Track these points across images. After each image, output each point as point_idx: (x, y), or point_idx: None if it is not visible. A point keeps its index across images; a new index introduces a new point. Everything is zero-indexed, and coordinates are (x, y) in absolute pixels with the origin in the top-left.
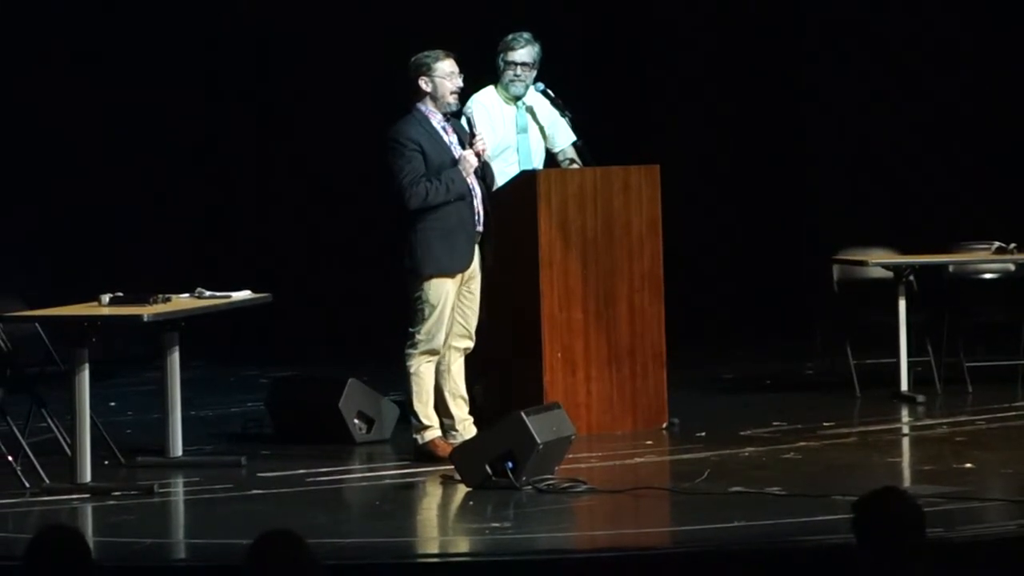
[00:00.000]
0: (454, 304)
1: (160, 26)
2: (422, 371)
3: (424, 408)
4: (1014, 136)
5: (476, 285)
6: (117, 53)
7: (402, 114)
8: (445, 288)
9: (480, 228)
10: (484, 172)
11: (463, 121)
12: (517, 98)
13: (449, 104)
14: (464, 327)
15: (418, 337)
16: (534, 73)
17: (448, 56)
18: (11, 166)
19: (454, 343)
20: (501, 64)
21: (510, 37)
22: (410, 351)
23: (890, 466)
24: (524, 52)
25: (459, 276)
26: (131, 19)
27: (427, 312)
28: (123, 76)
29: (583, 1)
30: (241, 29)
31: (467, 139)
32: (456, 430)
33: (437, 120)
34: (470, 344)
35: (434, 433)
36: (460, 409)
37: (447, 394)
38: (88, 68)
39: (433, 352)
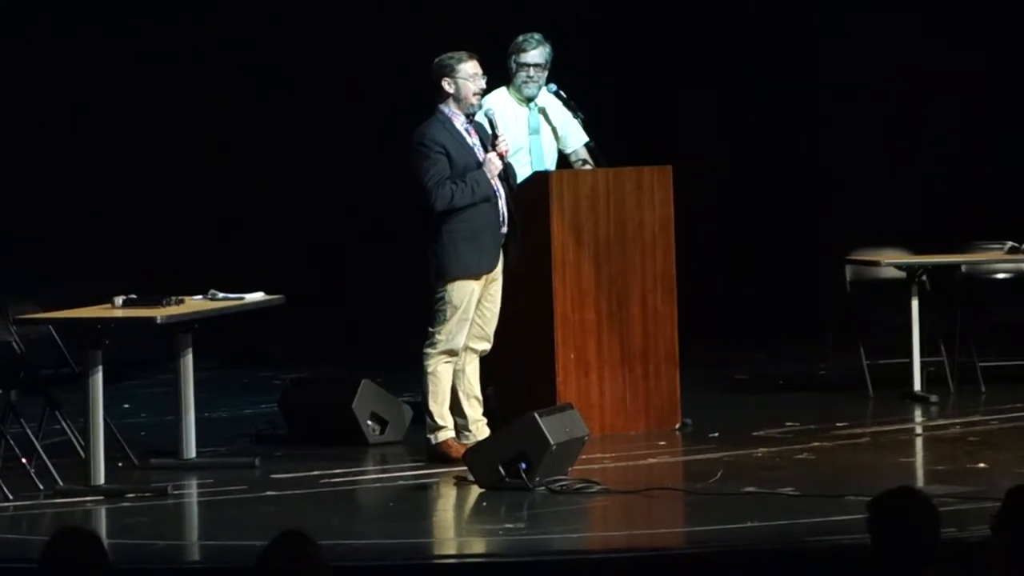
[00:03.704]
0: (477, 305)
1: (170, 23)
2: (439, 371)
3: (439, 408)
4: None
5: (497, 287)
6: (123, 53)
7: (423, 116)
8: (469, 289)
9: (505, 230)
10: (507, 173)
11: (484, 122)
12: (529, 99)
13: (472, 106)
14: (482, 329)
15: (438, 337)
16: (546, 74)
17: (472, 58)
18: (21, 167)
19: (471, 344)
20: (513, 66)
21: (521, 38)
22: (429, 351)
23: (903, 466)
24: (536, 53)
25: (483, 278)
26: (139, 17)
27: (449, 313)
28: (131, 76)
29: (594, 1)
30: (254, 30)
31: (489, 141)
32: (469, 431)
33: (461, 122)
34: (487, 346)
35: (448, 434)
36: (474, 410)
37: (461, 395)
38: (95, 69)
39: (452, 353)
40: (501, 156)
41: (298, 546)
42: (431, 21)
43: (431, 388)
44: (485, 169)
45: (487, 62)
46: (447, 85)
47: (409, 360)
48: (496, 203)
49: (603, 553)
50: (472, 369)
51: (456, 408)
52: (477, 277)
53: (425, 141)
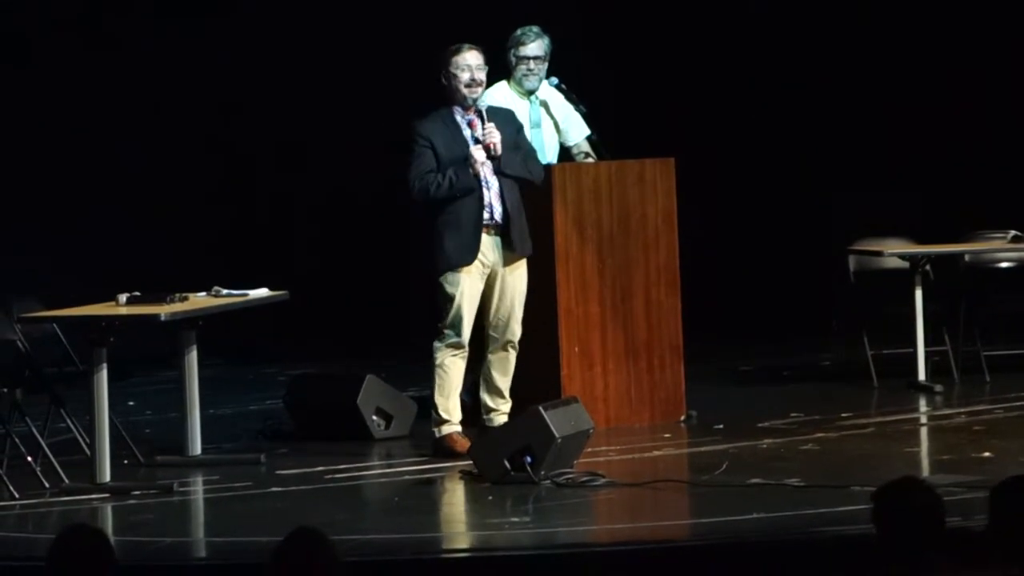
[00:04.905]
0: (485, 296)
1: (170, 22)
2: (447, 364)
3: (445, 402)
4: None
5: (506, 276)
6: (124, 51)
7: (428, 109)
8: (459, 282)
9: (497, 220)
10: (502, 166)
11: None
12: (530, 93)
13: (464, 98)
14: (502, 320)
15: (444, 331)
16: (545, 66)
17: (470, 49)
18: (28, 168)
19: (493, 334)
20: (513, 60)
21: (519, 32)
22: (437, 344)
23: (908, 456)
24: (534, 46)
25: (475, 269)
26: (138, 16)
27: (447, 306)
28: (135, 77)
29: None
30: (254, 28)
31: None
32: (488, 418)
33: (460, 115)
34: (514, 335)
35: (452, 428)
36: (495, 403)
37: (483, 383)
38: (100, 71)
39: (458, 346)
40: (488, 148)
41: (312, 543)
42: (431, 16)
43: (438, 381)
44: (469, 162)
45: (487, 57)
46: (442, 78)
47: (413, 355)
48: (480, 195)
49: (609, 546)
50: (498, 360)
51: (480, 395)
52: (459, 269)
53: (413, 134)
